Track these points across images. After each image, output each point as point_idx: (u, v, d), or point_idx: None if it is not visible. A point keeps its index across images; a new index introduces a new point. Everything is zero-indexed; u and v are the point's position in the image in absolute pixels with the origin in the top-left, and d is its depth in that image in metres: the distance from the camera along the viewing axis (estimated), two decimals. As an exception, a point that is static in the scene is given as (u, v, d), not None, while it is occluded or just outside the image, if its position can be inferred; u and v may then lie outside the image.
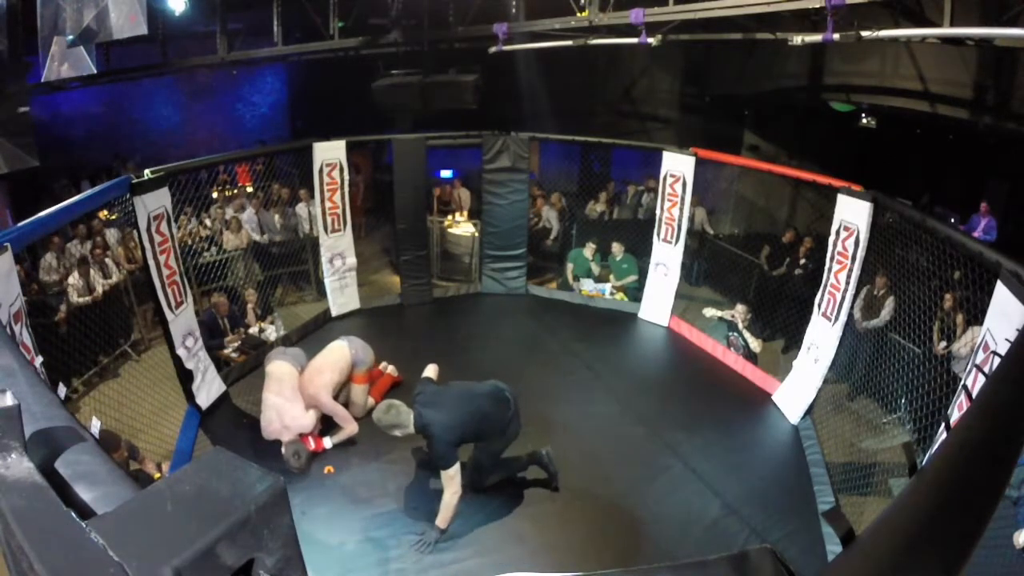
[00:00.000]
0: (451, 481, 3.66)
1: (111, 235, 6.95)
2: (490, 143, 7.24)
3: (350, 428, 4.67)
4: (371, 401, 4.95)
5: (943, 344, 4.98)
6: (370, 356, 5.00)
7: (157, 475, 4.01)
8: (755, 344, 6.05)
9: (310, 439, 4.59)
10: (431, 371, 4.24)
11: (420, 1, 7.45)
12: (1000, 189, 8.38)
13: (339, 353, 4.84)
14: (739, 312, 6.20)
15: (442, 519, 3.77)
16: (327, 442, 4.65)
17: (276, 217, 7.62)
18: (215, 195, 8.12)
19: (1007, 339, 2.87)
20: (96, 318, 5.69)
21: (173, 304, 4.79)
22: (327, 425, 4.74)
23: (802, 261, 6.77)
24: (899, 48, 7.09)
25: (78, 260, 6.17)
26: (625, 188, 9.12)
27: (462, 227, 8.49)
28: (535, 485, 4.36)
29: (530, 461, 4.28)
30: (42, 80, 4.15)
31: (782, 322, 6.48)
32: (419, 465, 4.49)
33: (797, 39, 4.81)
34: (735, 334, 6.17)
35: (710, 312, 6.48)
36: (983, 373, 3.02)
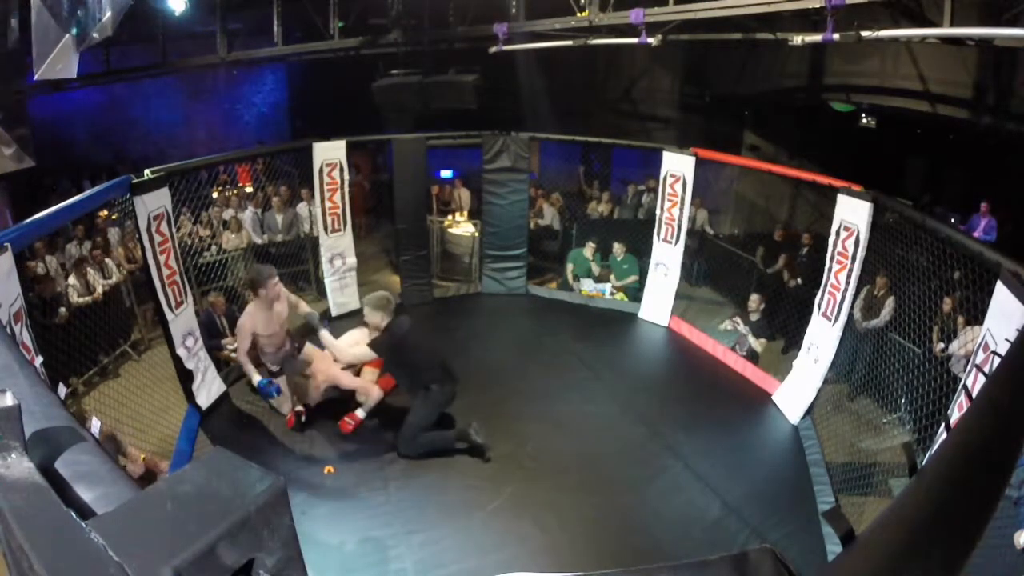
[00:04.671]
0: (361, 354, 4.43)
1: (113, 235, 6.95)
2: (490, 143, 7.24)
3: (375, 394, 4.99)
4: (377, 389, 5.01)
5: (940, 346, 4.98)
6: None
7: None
8: (757, 344, 6.06)
9: (347, 419, 4.87)
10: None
11: (420, 1, 7.45)
12: (1000, 189, 8.38)
13: (359, 337, 5.14)
14: (752, 302, 6.21)
15: (339, 351, 4.51)
16: (360, 413, 4.93)
17: (279, 217, 7.62)
18: (215, 195, 8.12)
19: (1007, 339, 2.87)
20: (96, 318, 5.68)
21: (173, 304, 4.79)
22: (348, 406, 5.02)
23: (802, 259, 6.77)
24: (899, 48, 7.09)
25: (76, 261, 6.17)
26: (625, 188, 9.13)
27: (462, 227, 8.50)
28: (535, 484, 4.36)
29: (458, 437, 4.60)
30: (34, 80, 4.14)
31: (782, 322, 6.48)
32: (419, 465, 4.49)
33: (797, 39, 4.81)
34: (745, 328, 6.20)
35: (725, 326, 6.42)
36: (983, 373, 3.02)
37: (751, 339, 6.09)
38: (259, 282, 4.52)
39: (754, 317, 6.17)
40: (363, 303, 4.55)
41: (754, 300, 6.23)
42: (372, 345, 4.37)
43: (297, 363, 4.94)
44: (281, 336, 4.74)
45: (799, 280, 6.52)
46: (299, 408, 4.96)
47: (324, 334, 4.44)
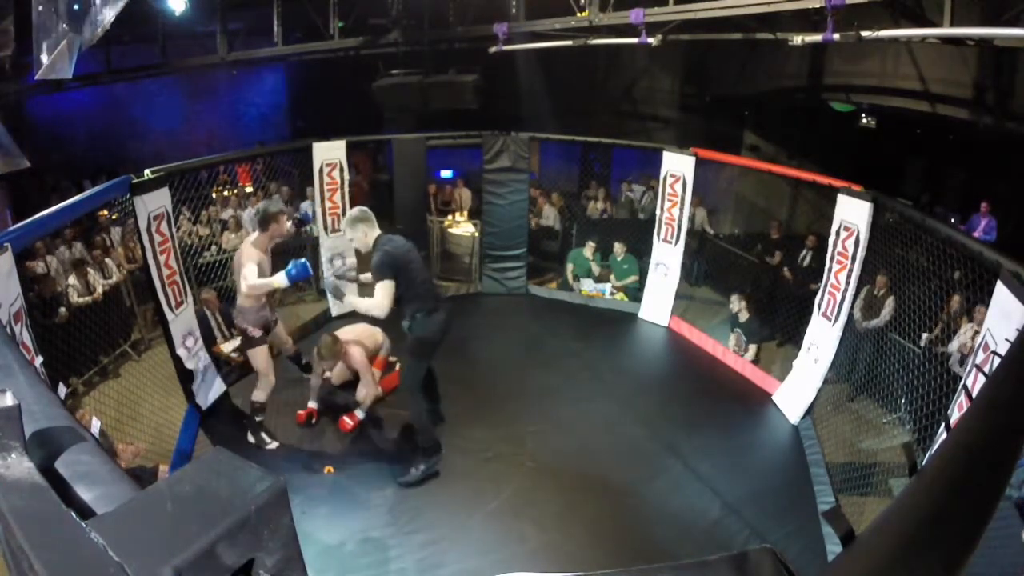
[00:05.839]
0: (383, 291, 3.88)
1: (114, 235, 6.95)
2: (490, 143, 7.24)
3: (372, 392, 4.91)
4: (374, 387, 5.01)
5: (925, 336, 4.96)
6: (389, 346, 5.39)
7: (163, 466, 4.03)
8: (750, 351, 6.07)
9: (346, 419, 4.87)
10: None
11: (420, 1, 7.45)
12: (1000, 189, 8.39)
13: (372, 331, 5.20)
14: (733, 302, 6.26)
15: (363, 303, 4.00)
16: (359, 413, 4.91)
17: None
18: (214, 195, 8.12)
19: (1007, 339, 2.87)
20: (96, 318, 5.68)
21: (173, 304, 4.80)
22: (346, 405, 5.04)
23: (806, 260, 6.78)
24: (899, 48, 7.09)
25: (74, 261, 6.17)
26: (619, 187, 9.15)
27: (462, 227, 8.50)
28: (535, 484, 4.36)
29: (432, 447, 4.34)
30: (35, 79, 4.15)
31: (782, 322, 6.48)
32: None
33: (797, 39, 4.81)
34: (738, 329, 6.20)
35: (731, 344, 6.37)
36: (983, 373, 3.01)
37: (745, 347, 6.13)
38: (272, 215, 4.32)
39: (743, 317, 6.19)
40: (349, 217, 4.09)
41: (734, 300, 6.27)
42: (372, 270, 3.92)
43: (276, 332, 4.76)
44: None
45: (805, 279, 6.53)
46: (311, 405, 4.98)
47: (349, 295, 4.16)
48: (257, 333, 4.48)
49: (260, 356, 4.56)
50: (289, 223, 4.52)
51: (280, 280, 4.15)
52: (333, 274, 4.55)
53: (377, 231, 4.06)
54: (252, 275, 4.17)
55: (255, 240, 4.33)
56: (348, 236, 4.09)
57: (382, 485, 4.31)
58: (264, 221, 4.34)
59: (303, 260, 4.14)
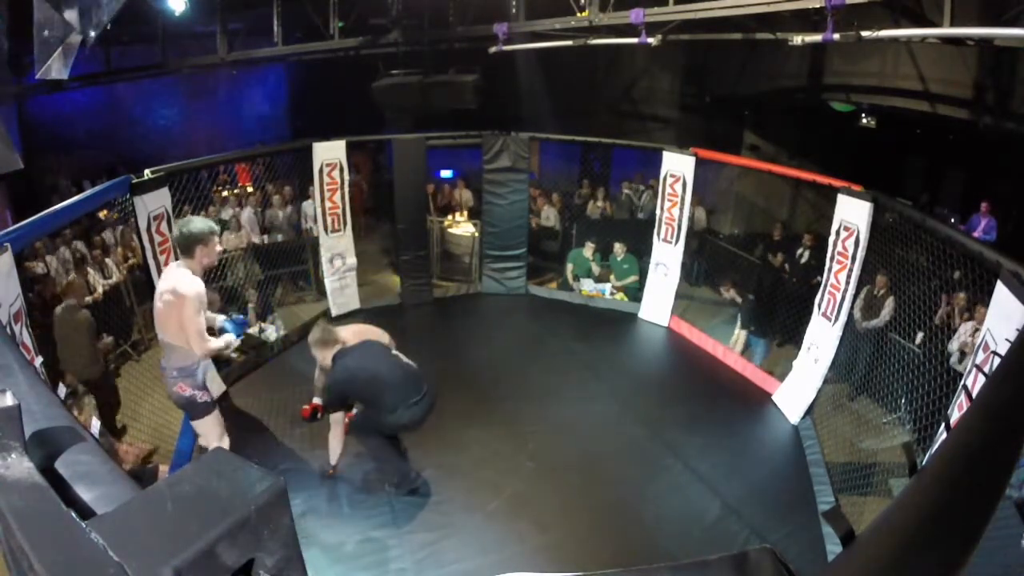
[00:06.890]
0: (334, 425, 4.08)
1: (116, 233, 6.95)
2: (490, 143, 7.24)
3: None
4: None
5: (920, 335, 4.96)
6: (393, 344, 5.27)
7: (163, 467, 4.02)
8: (738, 339, 6.11)
9: (345, 419, 4.76)
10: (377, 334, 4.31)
11: (420, 1, 7.45)
12: (1000, 189, 8.39)
13: (376, 330, 4.96)
14: (723, 289, 6.36)
15: (331, 458, 4.19)
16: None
17: (280, 214, 7.63)
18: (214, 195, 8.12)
19: (1007, 339, 2.87)
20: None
21: (173, 304, 4.78)
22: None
23: (804, 258, 6.78)
24: (899, 48, 7.09)
25: (76, 261, 6.16)
26: (619, 187, 9.16)
27: (462, 227, 8.50)
28: (535, 485, 4.36)
29: (401, 478, 4.19)
30: (35, 79, 4.15)
31: (782, 322, 6.48)
32: (419, 466, 4.49)
33: (797, 39, 4.81)
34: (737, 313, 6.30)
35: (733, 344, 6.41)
36: (983, 373, 3.01)
37: (739, 331, 6.18)
38: (197, 237, 3.21)
39: (738, 300, 6.25)
40: (310, 336, 3.98)
41: (724, 286, 6.31)
42: (327, 404, 4.00)
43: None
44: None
45: (804, 277, 6.55)
46: (316, 401, 4.97)
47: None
48: (208, 397, 3.56)
49: (213, 424, 3.63)
50: (220, 248, 3.45)
51: (233, 340, 3.48)
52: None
53: (335, 348, 3.88)
54: (200, 326, 3.23)
55: (191, 267, 3.29)
56: (312, 351, 3.95)
57: (382, 485, 4.30)
58: (187, 247, 3.24)
59: (240, 317, 3.73)
